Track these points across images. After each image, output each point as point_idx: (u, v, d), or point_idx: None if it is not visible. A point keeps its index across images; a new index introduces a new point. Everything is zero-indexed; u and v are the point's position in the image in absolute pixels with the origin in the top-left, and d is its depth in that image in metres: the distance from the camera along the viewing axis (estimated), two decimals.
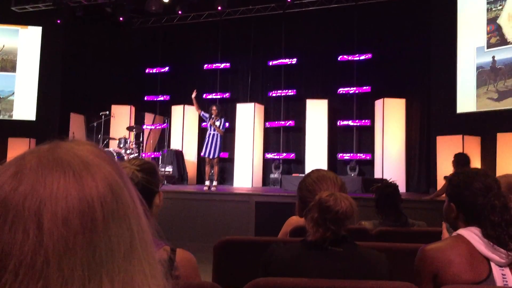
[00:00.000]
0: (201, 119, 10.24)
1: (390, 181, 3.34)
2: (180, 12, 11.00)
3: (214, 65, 11.41)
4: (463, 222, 1.72)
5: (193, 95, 8.43)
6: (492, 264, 1.56)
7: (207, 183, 8.27)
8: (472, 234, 1.62)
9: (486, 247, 1.58)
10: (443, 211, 1.84)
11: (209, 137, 8.15)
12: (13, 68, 10.97)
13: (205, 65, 11.46)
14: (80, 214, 0.48)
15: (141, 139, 10.38)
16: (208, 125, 8.19)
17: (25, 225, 0.46)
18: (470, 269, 1.56)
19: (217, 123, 8.07)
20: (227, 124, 10.91)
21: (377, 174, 9.44)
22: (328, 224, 1.50)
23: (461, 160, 6.04)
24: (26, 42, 11.02)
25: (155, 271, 0.55)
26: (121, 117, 10.72)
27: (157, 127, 11.49)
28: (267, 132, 11.05)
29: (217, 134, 8.10)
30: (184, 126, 11.09)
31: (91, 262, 0.48)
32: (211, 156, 8.12)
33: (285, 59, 10.80)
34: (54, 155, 0.52)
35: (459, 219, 1.74)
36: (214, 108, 8.16)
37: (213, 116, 8.08)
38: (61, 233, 0.47)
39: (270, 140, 11.09)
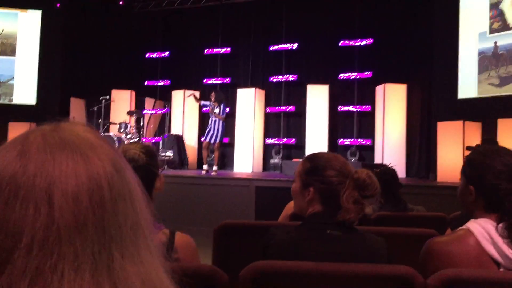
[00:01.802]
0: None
1: (389, 166, 3.35)
2: None
3: (214, 49, 11.35)
4: (482, 208, 1.54)
5: (187, 96, 8.65)
6: (502, 269, 1.43)
7: (205, 167, 8.30)
8: (481, 231, 1.46)
9: (495, 248, 1.43)
10: (458, 194, 1.66)
11: (211, 123, 8.25)
12: (12, 52, 10.93)
13: (206, 50, 11.40)
14: (89, 192, 0.50)
15: (141, 124, 10.37)
16: (209, 112, 8.26)
17: (36, 202, 0.47)
18: None
19: (216, 110, 8.10)
20: (228, 109, 10.93)
21: (378, 160, 9.45)
22: (363, 201, 1.58)
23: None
24: (25, 25, 10.95)
25: (157, 249, 0.57)
26: (121, 102, 10.71)
27: (158, 112, 11.48)
28: (267, 117, 11.04)
29: (218, 120, 8.14)
30: (185, 111, 11.07)
31: (101, 238, 0.50)
32: (212, 141, 8.16)
33: (286, 44, 10.74)
34: (59, 135, 0.54)
35: (477, 204, 1.56)
36: (212, 94, 8.27)
37: (210, 103, 8.14)
38: (72, 210, 0.48)
39: (271, 125, 11.08)
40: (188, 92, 9.25)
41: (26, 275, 0.45)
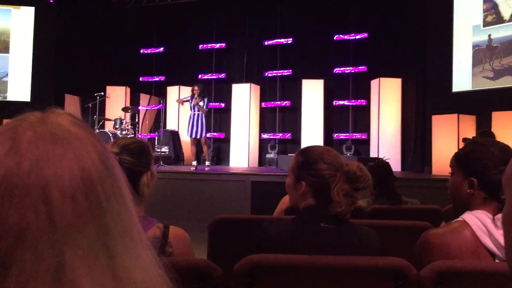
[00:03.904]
0: None
1: (383, 159, 3.36)
2: None
3: (209, 45, 11.32)
4: (481, 199, 1.52)
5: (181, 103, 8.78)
6: (497, 260, 1.43)
7: (194, 163, 8.25)
8: (478, 222, 1.46)
9: (491, 240, 1.43)
10: (453, 188, 1.63)
11: (193, 117, 8.11)
12: (6, 49, 10.86)
13: (200, 45, 11.37)
14: (85, 191, 0.49)
15: (136, 120, 10.35)
16: (192, 105, 8.13)
17: (34, 202, 0.46)
18: None
19: (201, 103, 8.02)
20: (223, 104, 10.91)
21: (373, 154, 9.47)
22: (354, 193, 1.58)
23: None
24: (19, 22, 10.88)
25: (150, 244, 0.56)
26: (116, 98, 10.67)
27: (153, 108, 11.45)
28: (263, 112, 11.04)
29: (201, 114, 8.06)
30: (180, 106, 11.04)
31: (102, 236, 0.49)
32: (198, 136, 8.09)
33: (280, 39, 10.73)
34: (48, 129, 0.52)
35: (475, 196, 1.53)
36: (196, 88, 8.12)
37: (195, 96, 8.04)
38: (71, 210, 0.48)
39: (266, 120, 11.08)
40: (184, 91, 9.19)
41: (36, 275, 0.45)
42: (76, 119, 0.57)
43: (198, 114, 8.05)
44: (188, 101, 8.22)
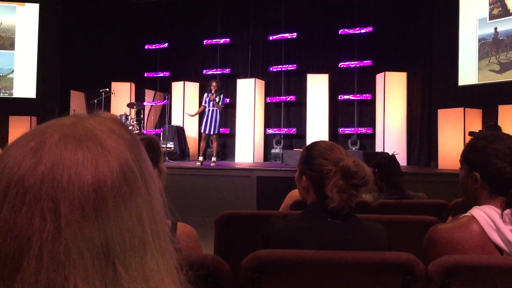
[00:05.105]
0: (201, 96, 10.21)
1: (393, 154, 3.34)
2: None
3: (214, 40, 11.30)
4: (487, 193, 1.52)
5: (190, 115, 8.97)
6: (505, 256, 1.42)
7: (200, 158, 8.24)
8: (486, 217, 1.45)
9: (499, 235, 1.42)
10: (460, 182, 1.63)
11: (208, 113, 8.09)
12: (11, 46, 10.89)
13: (205, 41, 11.35)
14: (95, 204, 0.48)
15: (142, 116, 10.36)
16: (207, 100, 8.12)
17: (42, 209, 0.46)
18: None
19: (216, 99, 8.01)
20: (227, 100, 10.91)
21: (378, 148, 9.46)
22: (351, 190, 1.53)
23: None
24: (23, 19, 10.90)
25: (169, 265, 0.55)
26: (121, 94, 10.69)
27: (158, 104, 11.46)
28: (268, 107, 11.03)
29: (216, 110, 8.04)
30: (185, 102, 11.06)
31: (107, 252, 0.48)
32: (211, 132, 8.07)
33: (285, 34, 10.70)
34: (75, 134, 0.51)
35: (481, 190, 1.53)
36: (214, 84, 8.09)
37: (212, 91, 8.02)
38: (78, 222, 0.47)
39: (271, 115, 11.07)
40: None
41: (38, 285, 0.44)
42: (115, 124, 0.56)
43: (213, 110, 8.03)
44: (205, 106, 8.17)
